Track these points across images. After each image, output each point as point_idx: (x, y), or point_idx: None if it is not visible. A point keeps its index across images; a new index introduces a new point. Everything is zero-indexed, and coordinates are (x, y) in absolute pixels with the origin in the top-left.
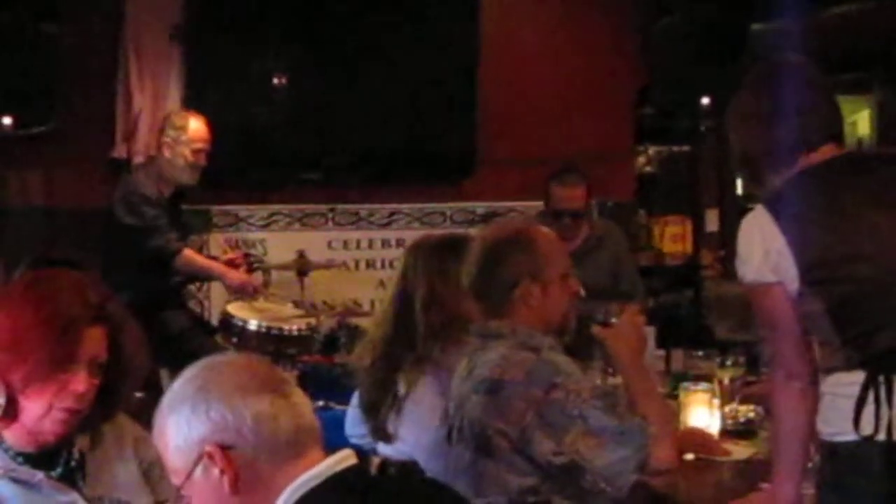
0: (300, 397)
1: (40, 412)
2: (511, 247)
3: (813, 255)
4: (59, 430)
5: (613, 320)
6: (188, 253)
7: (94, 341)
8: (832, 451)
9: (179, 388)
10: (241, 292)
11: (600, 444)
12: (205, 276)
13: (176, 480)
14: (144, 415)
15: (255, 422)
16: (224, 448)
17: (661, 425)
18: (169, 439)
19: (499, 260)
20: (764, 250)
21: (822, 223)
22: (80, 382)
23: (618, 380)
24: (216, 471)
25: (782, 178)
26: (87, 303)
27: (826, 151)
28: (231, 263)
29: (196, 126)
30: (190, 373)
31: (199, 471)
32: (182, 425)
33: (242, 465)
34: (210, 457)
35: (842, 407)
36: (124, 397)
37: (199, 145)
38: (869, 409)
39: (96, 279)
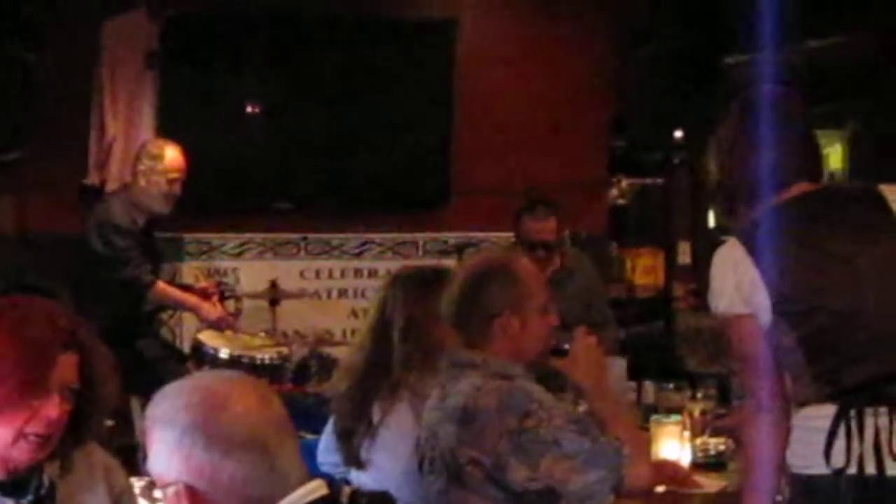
0: (288, 455)
1: (11, 439)
2: (492, 278)
3: (785, 287)
4: (30, 457)
5: (566, 347)
6: (161, 286)
7: (65, 367)
8: (803, 485)
9: (174, 407)
10: (214, 327)
11: (574, 468)
12: (178, 309)
13: (153, 475)
14: (114, 442)
15: (230, 482)
16: (194, 492)
17: (634, 445)
18: (151, 445)
19: (480, 291)
20: (736, 282)
21: (795, 256)
22: (52, 408)
23: (584, 407)
24: (185, 503)
25: (756, 212)
26: (59, 329)
27: (801, 187)
28: (204, 292)
29: (172, 155)
30: (189, 396)
31: (170, 490)
32: (163, 449)
33: None
34: (178, 492)
35: (813, 440)
36: (95, 424)
37: (175, 175)
38: (840, 443)
39: (68, 306)
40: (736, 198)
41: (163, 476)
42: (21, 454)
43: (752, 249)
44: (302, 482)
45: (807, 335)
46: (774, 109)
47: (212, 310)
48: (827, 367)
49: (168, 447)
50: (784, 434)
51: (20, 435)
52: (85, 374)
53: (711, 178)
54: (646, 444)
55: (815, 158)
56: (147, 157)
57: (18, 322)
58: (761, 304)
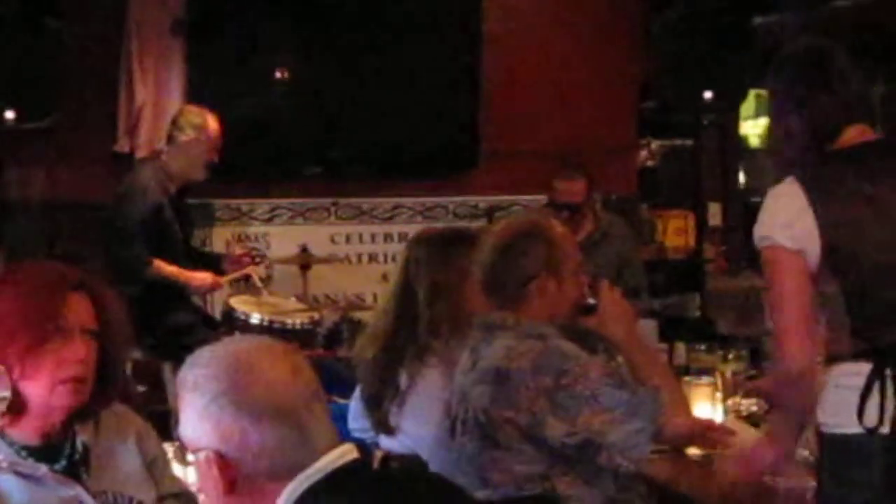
0: (317, 424)
1: (45, 390)
2: (528, 241)
3: (838, 236)
4: (68, 404)
5: (591, 301)
6: (156, 264)
7: (79, 308)
8: (834, 443)
9: (205, 374)
10: (209, 292)
11: (613, 420)
12: (174, 283)
13: (184, 440)
14: (147, 408)
15: (260, 449)
16: (223, 457)
17: (672, 393)
18: (182, 410)
19: (515, 254)
20: (789, 221)
21: (851, 206)
22: (79, 348)
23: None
24: (215, 469)
25: (816, 157)
26: (64, 273)
27: (859, 133)
28: (239, 261)
29: (214, 125)
30: (220, 363)
31: (201, 456)
32: (193, 414)
33: (239, 476)
34: (209, 457)
35: (846, 398)
36: (117, 371)
37: (216, 143)
38: (873, 402)
39: (96, 273)
40: (795, 143)
41: (193, 441)
42: (62, 399)
43: (809, 193)
44: (331, 447)
45: (850, 287)
46: (826, 59)
47: (200, 277)
48: (866, 321)
49: (197, 413)
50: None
51: (53, 384)
52: (101, 318)
53: (774, 124)
54: (682, 391)
55: (866, 108)
56: (190, 126)
57: (24, 274)
58: (812, 248)
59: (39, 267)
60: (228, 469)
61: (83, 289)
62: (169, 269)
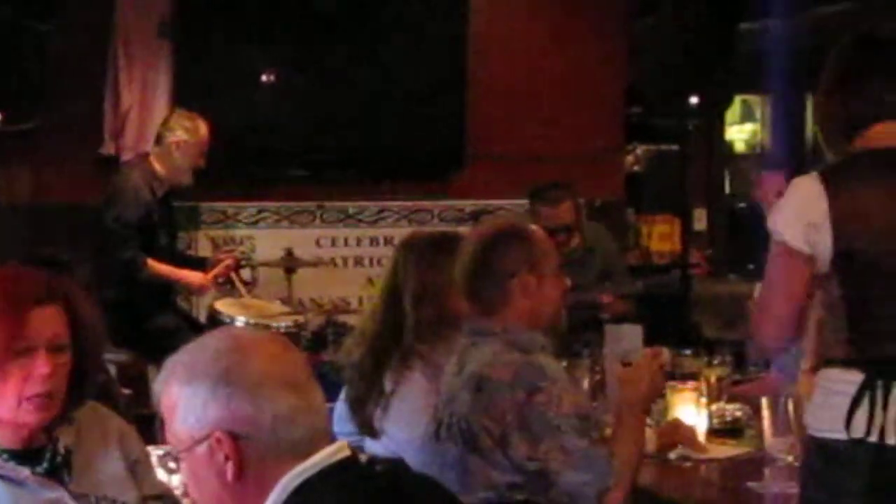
0: (319, 397)
1: (12, 405)
2: (506, 240)
3: (850, 241)
4: (38, 417)
5: (631, 360)
6: (151, 264)
7: (47, 321)
8: (820, 448)
9: (202, 360)
10: (201, 291)
11: (568, 463)
12: (169, 283)
13: (175, 445)
14: (132, 411)
15: (274, 421)
16: (235, 438)
17: (624, 469)
18: (176, 405)
19: (496, 252)
20: (806, 221)
21: (868, 212)
22: (43, 365)
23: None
24: (221, 455)
25: (842, 153)
26: (35, 283)
27: (886, 132)
28: (223, 264)
29: (204, 130)
30: (216, 346)
31: (203, 447)
32: (196, 402)
33: (248, 457)
34: (218, 441)
35: (835, 404)
36: (93, 382)
37: (203, 148)
38: (862, 412)
39: (82, 278)
40: (824, 136)
41: (195, 432)
42: (28, 416)
43: (830, 193)
44: (328, 434)
45: (853, 295)
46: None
47: (195, 276)
48: (864, 331)
49: (201, 400)
50: None
51: (19, 399)
52: (73, 328)
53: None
54: (632, 472)
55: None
56: (181, 128)
57: None
58: (824, 249)
59: (8, 274)
60: (239, 449)
61: (52, 300)
62: (164, 269)
